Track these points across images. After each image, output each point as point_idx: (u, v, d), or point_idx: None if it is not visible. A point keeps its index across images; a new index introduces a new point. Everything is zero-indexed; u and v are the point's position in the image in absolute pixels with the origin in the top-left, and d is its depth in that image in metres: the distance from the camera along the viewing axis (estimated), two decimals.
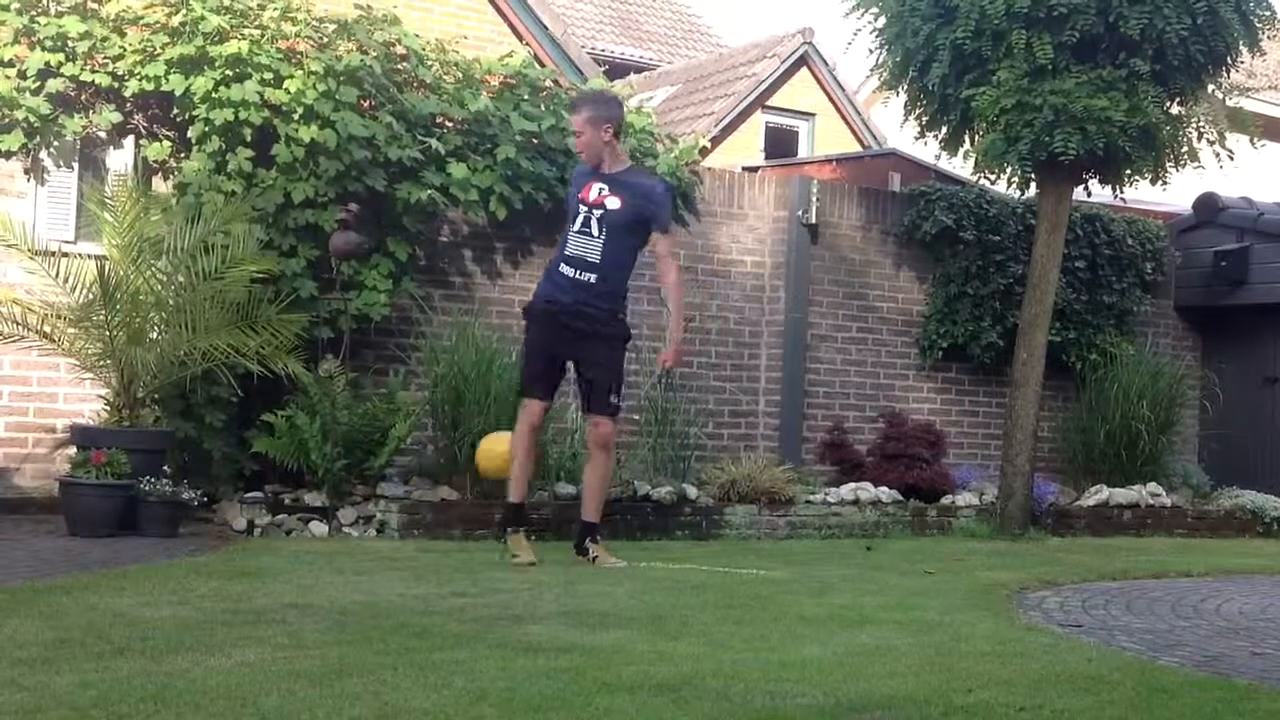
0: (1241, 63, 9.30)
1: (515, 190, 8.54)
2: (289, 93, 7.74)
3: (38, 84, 7.69)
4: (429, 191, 8.19)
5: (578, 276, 6.65)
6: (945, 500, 9.45)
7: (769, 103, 18.79)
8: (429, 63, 8.54)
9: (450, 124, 8.50)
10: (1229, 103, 9.62)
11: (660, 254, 6.92)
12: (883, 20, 9.29)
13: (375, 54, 8.16)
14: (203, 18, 7.68)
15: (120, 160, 8.12)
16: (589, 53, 14.50)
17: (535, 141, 8.67)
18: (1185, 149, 9.21)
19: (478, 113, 8.44)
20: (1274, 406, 11.35)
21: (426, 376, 8.25)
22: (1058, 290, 9.64)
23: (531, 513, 7.32)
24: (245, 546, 6.76)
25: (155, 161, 7.96)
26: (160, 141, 7.94)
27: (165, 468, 7.18)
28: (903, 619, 5.26)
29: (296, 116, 7.77)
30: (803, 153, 18.52)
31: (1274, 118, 15.37)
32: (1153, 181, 9.29)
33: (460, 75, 8.65)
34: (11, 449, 7.84)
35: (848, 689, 3.84)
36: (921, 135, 9.65)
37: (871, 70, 9.73)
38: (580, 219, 6.68)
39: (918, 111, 9.50)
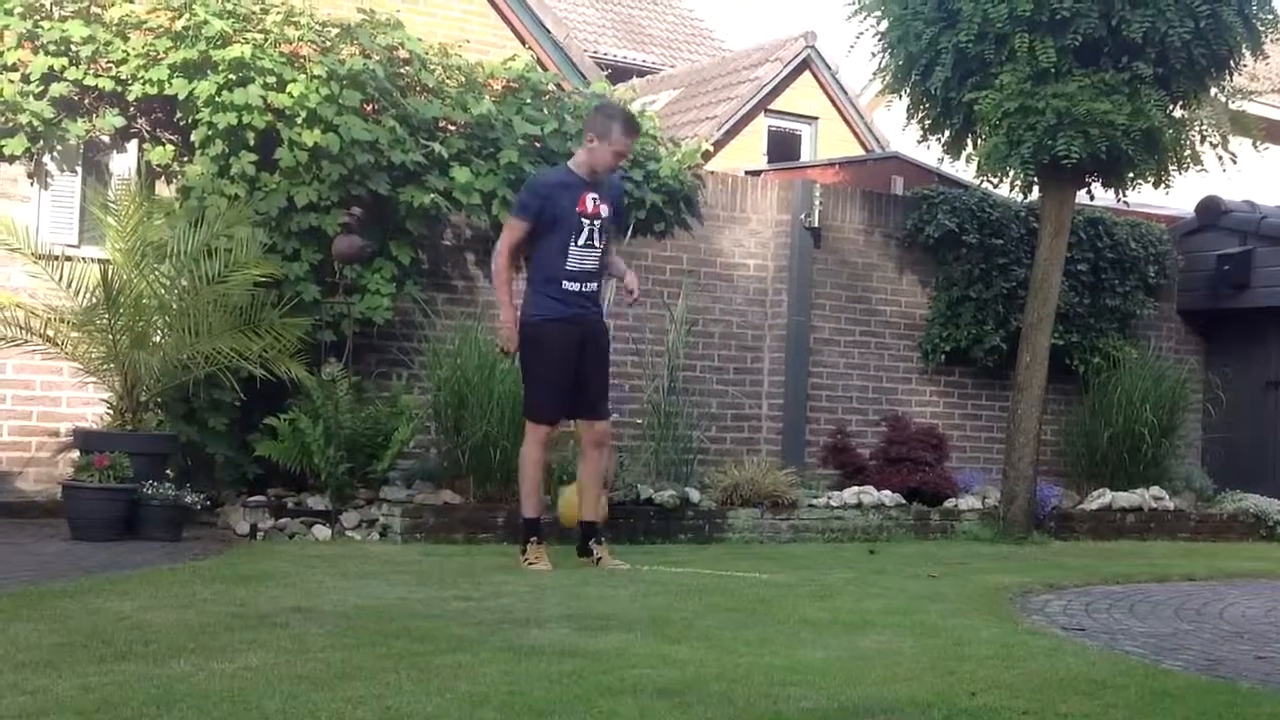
0: (1244, 66, 9.29)
1: (518, 194, 8.53)
2: (292, 97, 7.75)
3: (41, 88, 7.70)
4: (432, 195, 8.19)
5: (583, 289, 6.62)
6: (948, 504, 9.44)
7: (771, 106, 18.80)
8: (432, 66, 8.55)
9: (453, 128, 8.51)
10: (1232, 106, 9.61)
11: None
12: (885, 24, 9.28)
13: (378, 58, 8.17)
14: (206, 22, 7.70)
15: (123, 164, 8.14)
16: (591, 56, 14.52)
17: (538, 145, 8.68)
18: (1188, 152, 9.20)
19: (480, 116, 8.45)
20: (1277, 410, 11.34)
21: (429, 380, 8.25)
22: (1060, 293, 9.64)
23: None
24: (248, 550, 6.76)
25: (158, 165, 7.97)
26: (163, 145, 7.95)
27: (168, 471, 7.20)
28: (906, 623, 5.26)
29: (299, 120, 7.78)
30: (805, 156, 18.53)
31: (1277, 121, 15.36)
32: (1155, 185, 9.28)
33: (463, 79, 8.66)
34: (14, 453, 7.85)
35: (851, 693, 3.84)
36: (924, 139, 9.65)
37: (874, 74, 9.72)
38: (585, 233, 6.57)
39: (920, 115, 9.50)
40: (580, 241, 6.57)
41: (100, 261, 7.44)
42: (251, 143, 7.74)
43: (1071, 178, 9.17)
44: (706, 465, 9.14)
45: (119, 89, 7.80)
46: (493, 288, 7.14)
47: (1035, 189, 9.38)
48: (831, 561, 7.51)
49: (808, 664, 4.27)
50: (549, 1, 12.71)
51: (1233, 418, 11.32)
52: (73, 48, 7.72)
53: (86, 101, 7.85)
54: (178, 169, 7.96)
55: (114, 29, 7.80)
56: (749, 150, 18.07)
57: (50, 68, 7.68)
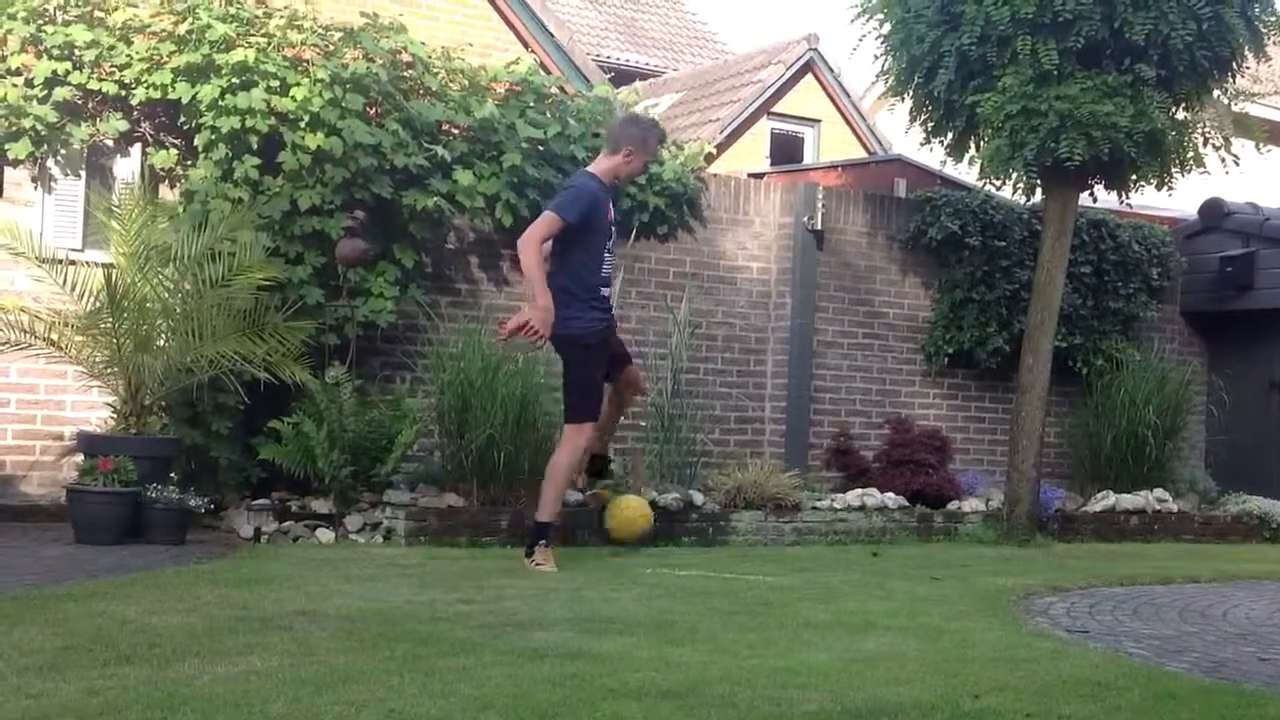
0: (1247, 68, 9.29)
1: (521, 197, 8.55)
2: (295, 100, 7.76)
3: (45, 92, 7.71)
4: (435, 199, 8.20)
5: (605, 292, 6.86)
6: (951, 506, 9.44)
7: (774, 109, 18.81)
8: (435, 70, 8.56)
9: (456, 131, 8.52)
10: (1234, 108, 9.61)
11: None
12: (888, 27, 9.29)
13: (381, 61, 8.17)
14: (209, 26, 7.71)
15: (127, 168, 8.14)
16: (594, 59, 14.54)
17: (541, 148, 8.68)
18: (1191, 154, 9.20)
19: (483, 120, 8.45)
20: None
21: (433, 383, 8.25)
22: (1064, 296, 9.63)
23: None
24: (252, 553, 6.77)
25: (162, 169, 7.98)
26: (167, 149, 7.96)
27: (172, 475, 7.20)
28: (909, 625, 5.27)
29: (303, 124, 7.79)
30: (808, 159, 18.54)
31: (1279, 122, 15.34)
32: (1158, 187, 9.28)
33: (466, 82, 8.66)
34: (19, 456, 7.86)
35: (854, 695, 3.85)
36: (927, 141, 9.65)
37: (877, 76, 9.72)
38: (612, 240, 6.87)
39: (923, 117, 9.50)
40: (609, 248, 6.84)
41: (104, 265, 7.45)
42: (255, 146, 7.75)
43: (1074, 180, 9.18)
44: (710, 468, 9.15)
45: (122, 93, 7.81)
46: (524, 277, 6.92)
47: (1038, 191, 9.39)
48: (835, 564, 7.51)
49: (811, 666, 4.27)
50: (552, 4, 12.73)
51: (1236, 419, 11.31)
52: (76, 52, 7.73)
53: (90, 106, 7.86)
54: (181, 173, 7.97)
55: (117, 33, 7.81)
56: (752, 153, 18.08)
57: (54, 72, 7.69)
